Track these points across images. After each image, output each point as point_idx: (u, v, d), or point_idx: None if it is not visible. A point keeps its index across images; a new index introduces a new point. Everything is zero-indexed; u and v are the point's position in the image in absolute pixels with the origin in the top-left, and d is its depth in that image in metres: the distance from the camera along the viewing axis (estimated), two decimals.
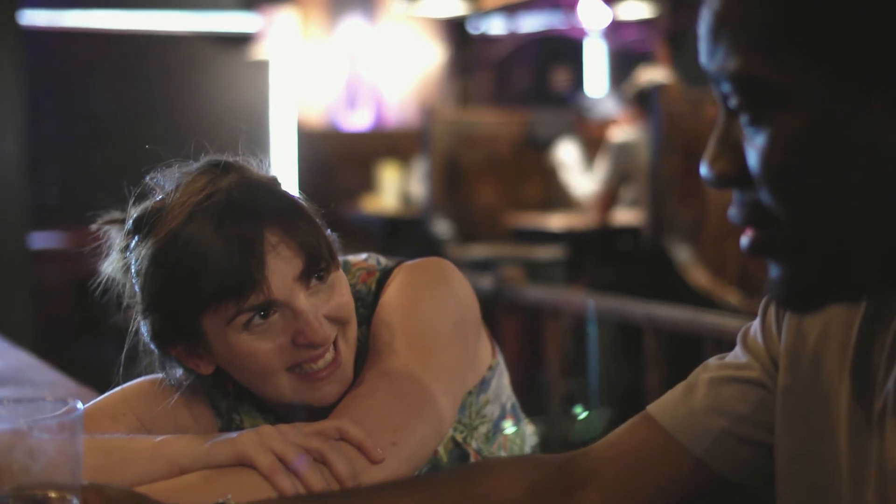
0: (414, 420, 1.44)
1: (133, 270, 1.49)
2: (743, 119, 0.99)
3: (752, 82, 0.96)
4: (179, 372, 1.56)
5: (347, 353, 1.50)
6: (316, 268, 1.46)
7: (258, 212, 1.44)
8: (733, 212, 1.02)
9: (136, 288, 1.49)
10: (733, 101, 0.99)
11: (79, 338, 7.03)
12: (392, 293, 1.57)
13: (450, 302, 1.57)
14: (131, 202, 1.52)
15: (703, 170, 1.02)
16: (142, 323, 1.51)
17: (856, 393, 1.11)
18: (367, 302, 1.59)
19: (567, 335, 4.74)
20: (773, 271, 1.02)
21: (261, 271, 1.42)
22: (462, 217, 7.38)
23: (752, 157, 0.98)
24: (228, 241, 1.41)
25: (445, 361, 1.52)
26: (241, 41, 9.58)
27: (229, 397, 1.59)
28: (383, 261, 1.64)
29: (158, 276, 1.45)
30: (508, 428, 1.65)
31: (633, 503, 1.28)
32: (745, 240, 1.02)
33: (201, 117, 8.86)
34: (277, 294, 1.43)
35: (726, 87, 0.99)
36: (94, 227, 1.55)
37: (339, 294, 1.50)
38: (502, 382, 1.67)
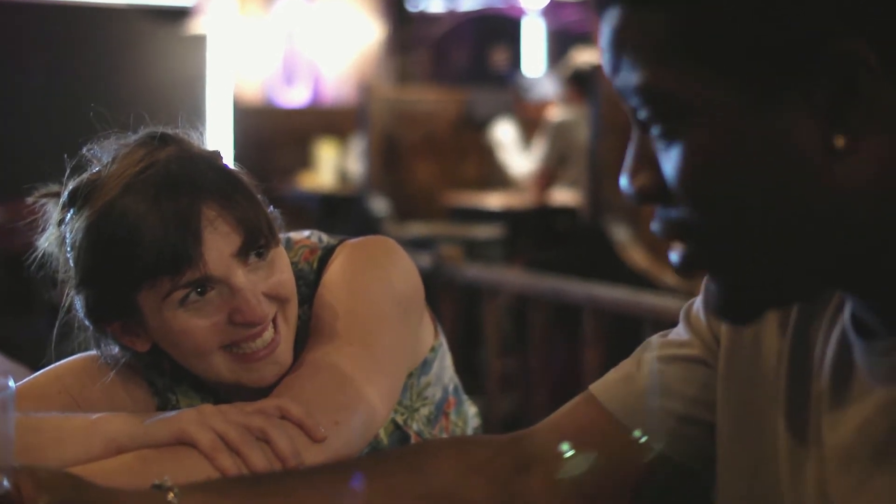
0: (356, 400, 1.41)
1: (67, 244, 1.46)
2: (654, 132, 0.96)
3: (659, 96, 0.94)
4: (115, 349, 1.52)
5: (287, 332, 1.47)
6: (255, 244, 1.43)
7: (196, 185, 1.41)
8: (656, 226, 1.00)
9: (71, 262, 1.46)
10: (643, 115, 0.96)
11: (8, 313, 6.93)
12: (334, 272, 1.54)
13: (393, 281, 1.55)
14: (67, 174, 1.48)
15: (624, 185, 1.00)
16: (76, 298, 1.47)
17: (794, 374, 1.11)
18: (310, 280, 1.56)
19: (505, 314, 4.74)
20: (709, 285, 1.00)
21: (197, 247, 1.38)
22: (399, 195, 7.37)
23: (668, 171, 0.96)
24: (164, 214, 1.38)
25: (388, 341, 1.49)
26: (178, 15, 9.47)
27: (166, 376, 1.56)
28: (326, 238, 1.61)
29: (92, 250, 1.42)
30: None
31: (577, 485, 1.27)
32: (674, 256, 1.01)
33: (136, 91, 8.74)
34: (214, 270, 1.40)
35: (634, 101, 0.97)
36: (30, 200, 1.51)
37: (279, 271, 1.47)
38: (444, 364, 1.65)
